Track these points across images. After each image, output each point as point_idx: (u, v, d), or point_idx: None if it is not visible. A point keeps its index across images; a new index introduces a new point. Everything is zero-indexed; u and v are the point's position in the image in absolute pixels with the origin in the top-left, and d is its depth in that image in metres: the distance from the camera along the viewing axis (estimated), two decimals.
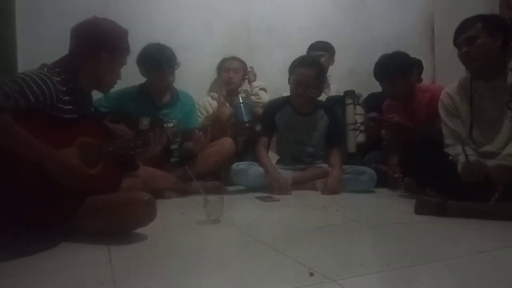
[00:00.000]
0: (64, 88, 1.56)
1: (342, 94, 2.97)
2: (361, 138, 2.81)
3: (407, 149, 2.36)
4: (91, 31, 1.66)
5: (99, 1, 2.95)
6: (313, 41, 3.34)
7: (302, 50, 3.20)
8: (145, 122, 2.51)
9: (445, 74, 3.66)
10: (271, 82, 3.36)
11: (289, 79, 2.76)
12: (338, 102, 2.96)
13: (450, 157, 2.02)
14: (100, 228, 1.48)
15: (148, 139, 2.02)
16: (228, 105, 3.12)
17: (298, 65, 2.70)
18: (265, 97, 3.23)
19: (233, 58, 3.31)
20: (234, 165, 2.66)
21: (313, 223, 1.78)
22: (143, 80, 2.70)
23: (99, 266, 1.20)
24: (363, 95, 3.23)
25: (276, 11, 3.60)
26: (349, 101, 2.84)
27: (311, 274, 1.07)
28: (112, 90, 1.88)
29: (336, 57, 3.41)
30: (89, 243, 1.42)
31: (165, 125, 2.26)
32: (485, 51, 1.95)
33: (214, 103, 3.16)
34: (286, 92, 2.90)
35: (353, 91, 2.90)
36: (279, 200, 2.33)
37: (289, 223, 1.88)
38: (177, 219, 1.89)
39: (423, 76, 3.34)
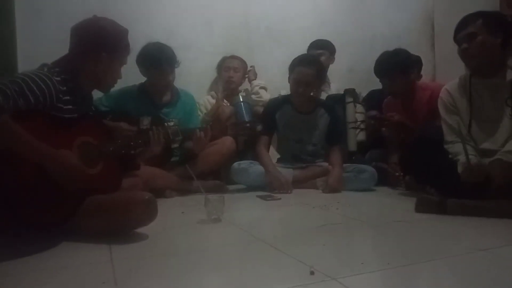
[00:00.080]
0: (64, 88, 1.55)
1: (342, 92, 2.97)
2: (361, 136, 2.80)
3: (407, 147, 2.36)
4: (91, 31, 1.66)
5: (99, 1, 2.94)
6: (313, 40, 3.34)
7: (302, 49, 3.20)
8: (145, 122, 2.50)
9: (445, 72, 3.65)
10: (271, 81, 3.36)
11: (289, 77, 2.75)
12: (338, 101, 2.96)
13: (450, 155, 2.02)
14: (101, 228, 1.48)
15: (148, 138, 2.02)
16: (228, 104, 3.12)
17: (298, 63, 2.70)
18: (266, 96, 3.23)
19: (233, 57, 3.31)
20: (235, 164, 2.66)
21: (313, 222, 1.79)
22: (143, 79, 2.70)
23: (100, 266, 1.20)
24: (363, 94, 3.23)
25: (276, 10, 3.60)
26: (349, 99, 2.84)
27: (312, 273, 1.07)
28: (112, 90, 1.88)
29: (336, 55, 3.40)
30: (89, 243, 1.42)
31: (165, 124, 2.24)
32: (485, 48, 1.95)
33: (214, 102, 3.15)
34: (286, 91, 2.90)
35: (353, 90, 2.90)
36: (280, 199, 2.33)
37: (290, 222, 1.88)
38: (178, 218, 1.89)
39: (422, 73, 3.33)
